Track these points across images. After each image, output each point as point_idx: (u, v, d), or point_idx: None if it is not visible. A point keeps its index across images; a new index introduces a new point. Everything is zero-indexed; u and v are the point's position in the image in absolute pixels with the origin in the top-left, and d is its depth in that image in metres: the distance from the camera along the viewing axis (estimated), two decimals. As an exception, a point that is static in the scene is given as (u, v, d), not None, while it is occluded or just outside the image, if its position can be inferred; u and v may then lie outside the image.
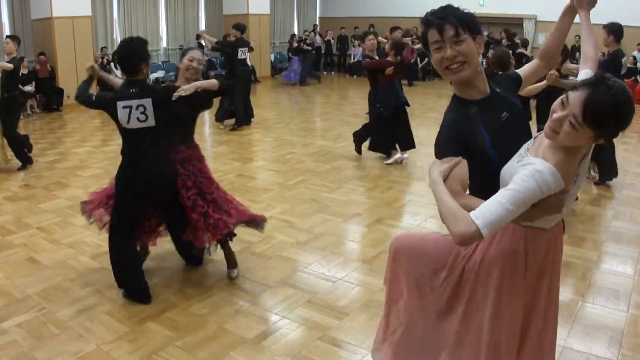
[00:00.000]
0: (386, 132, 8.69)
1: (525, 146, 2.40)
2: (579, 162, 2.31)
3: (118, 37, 17.07)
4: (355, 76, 20.32)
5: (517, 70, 2.82)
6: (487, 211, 2.13)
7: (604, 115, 2.09)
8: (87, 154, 9.54)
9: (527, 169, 2.20)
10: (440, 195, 2.25)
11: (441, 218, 2.24)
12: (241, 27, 11.49)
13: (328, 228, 6.09)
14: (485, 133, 2.45)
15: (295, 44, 20.30)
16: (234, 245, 5.25)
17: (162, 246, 5.54)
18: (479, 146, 2.44)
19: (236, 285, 4.81)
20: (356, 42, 20.50)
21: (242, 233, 5.77)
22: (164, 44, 18.41)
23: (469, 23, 2.43)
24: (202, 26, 19.63)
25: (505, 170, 2.36)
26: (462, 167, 2.36)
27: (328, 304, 4.50)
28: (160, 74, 17.22)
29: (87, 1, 14.42)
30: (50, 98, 13.80)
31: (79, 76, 14.06)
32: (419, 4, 20.27)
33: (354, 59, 20.90)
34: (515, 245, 2.46)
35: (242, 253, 5.41)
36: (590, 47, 2.70)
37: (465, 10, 2.47)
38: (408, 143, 8.75)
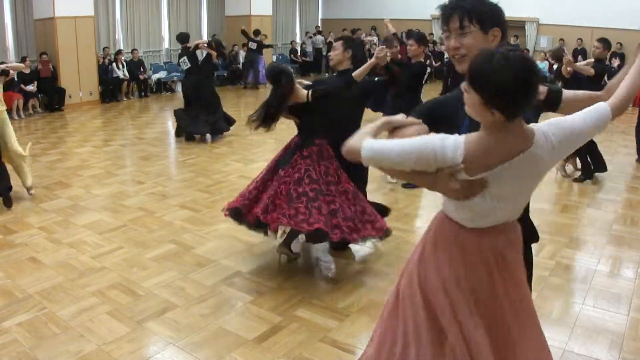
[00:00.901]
0: None
1: None
2: (499, 157, 2.11)
3: (120, 38, 17.10)
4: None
5: (569, 91, 2.55)
6: (379, 141, 2.11)
7: (481, 78, 2.00)
8: (88, 153, 9.54)
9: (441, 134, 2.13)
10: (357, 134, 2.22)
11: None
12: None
13: (329, 229, 6.08)
14: (467, 121, 2.28)
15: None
16: (233, 246, 5.27)
17: (162, 247, 5.56)
18: (452, 129, 2.22)
19: (237, 286, 4.81)
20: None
21: (243, 234, 5.78)
22: (166, 44, 18.41)
23: (480, 15, 2.35)
24: (205, 27, 19.65)
25: None
26: (416, 129, 2.27)
27: (329, 306, 4.50)
28: (162, 74, 17.23)
29: (89, 1, 14.43)
30: (52, 98, 13.80)
31: (80, 76, 14.11)
32: (422, 5, 20.44)
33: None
34: (450, 243, 2.34)
35: (243, 253, 5.43)
36: (628, 87, 2.34)
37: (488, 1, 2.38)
38: None
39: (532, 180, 2.26)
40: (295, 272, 5.10)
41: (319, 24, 23.99)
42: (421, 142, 2.09)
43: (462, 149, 2.07)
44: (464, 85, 2.07)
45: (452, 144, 2.08)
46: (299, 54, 21.86)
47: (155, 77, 17.03)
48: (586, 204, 7.04)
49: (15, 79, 13.03)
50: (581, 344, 3.99)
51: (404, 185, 7.66)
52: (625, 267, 5.31)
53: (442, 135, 2.10)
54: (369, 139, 2.12)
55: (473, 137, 2.11)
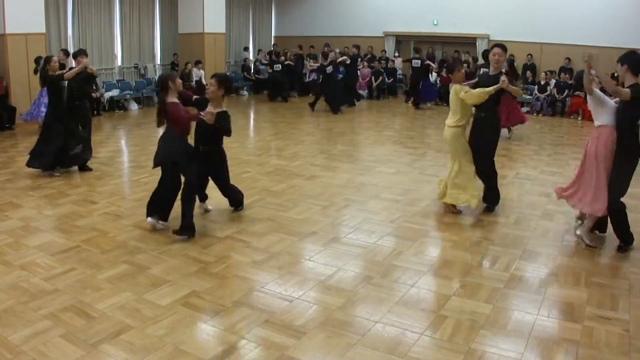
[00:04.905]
0: None
1: None
2: None
3: (72, 55, 16.83)
4: (310, 94, 20.15)
5: None
6: None
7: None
8: (40, 173, 9.34)
9: None
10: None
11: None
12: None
13: (284, 247, 6.09)
14: None
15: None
16: (188, 265, 5.23)
17: (116, 268, 5.48)
18: None
19: (193, 306, 4.77)
20: (312, 61, 20.53)
21: (198, 253, 5.75)
22: (118, 62, 18.19)
23: None
24: (158, 45, 19.46)
25: None
26: None
27: (285, 324, 4.49)
28: (115, 92, 17.00)
29: (41, 18, 14.19)
30: (2, 116, 13.49)
31: (31, 94, 13.84)
32: (375, 22, 20.65)
33: (308, 78, 20.92)
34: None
35: (198, 273, 5.38)
36: None
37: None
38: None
39: None
40: (250, 291, 5.08)
41: (273, 41, 23.98)
42: None
43: None
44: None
45: None
46: (252, 71, 21.71)
47: (107, 95, 16.80)
48: (538, 216, 7.15)
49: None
50: (537, 354, 4.06)
51: None
52: (578, 277, 5.41)
53: None
54: None
55: None
